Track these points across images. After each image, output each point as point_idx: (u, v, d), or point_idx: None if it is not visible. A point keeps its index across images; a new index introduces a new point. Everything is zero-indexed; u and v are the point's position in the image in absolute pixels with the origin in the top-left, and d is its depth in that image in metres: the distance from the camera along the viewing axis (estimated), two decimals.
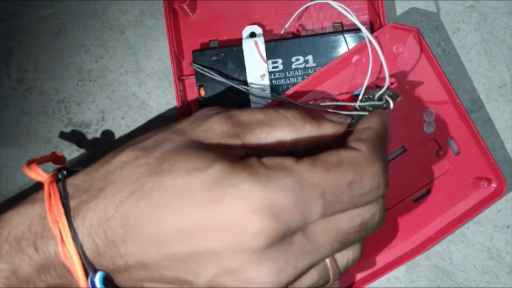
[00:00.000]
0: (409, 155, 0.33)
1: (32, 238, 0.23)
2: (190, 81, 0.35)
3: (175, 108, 0.36)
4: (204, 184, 0.21)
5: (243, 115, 0.25)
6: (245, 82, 0.33)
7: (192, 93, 0.36)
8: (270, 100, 0.32)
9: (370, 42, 0.28)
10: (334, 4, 0.28)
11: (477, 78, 0.35)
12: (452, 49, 0.36)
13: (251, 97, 0.33)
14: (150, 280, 0.23)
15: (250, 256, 0.21)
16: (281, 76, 0.34)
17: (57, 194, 0.23)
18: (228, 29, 0.36)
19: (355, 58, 0.32)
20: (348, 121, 0.26)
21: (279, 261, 0.21)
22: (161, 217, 0.21)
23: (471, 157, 0.32)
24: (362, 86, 0.29)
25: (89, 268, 0.23)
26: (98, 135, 0.37)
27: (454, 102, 0.32)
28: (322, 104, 0.31)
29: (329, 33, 0.34)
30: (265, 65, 0.33)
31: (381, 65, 0.31)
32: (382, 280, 0.34)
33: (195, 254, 0.21)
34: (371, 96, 0.29)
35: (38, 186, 0.25)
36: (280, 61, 0.34)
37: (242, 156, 0.23)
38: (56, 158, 0.27)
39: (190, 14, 0.36)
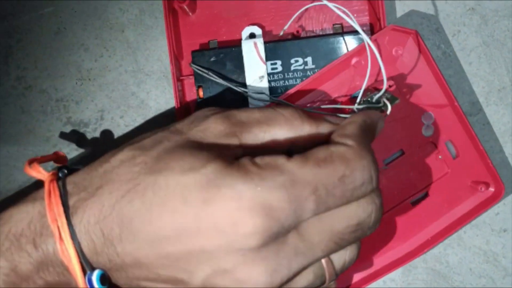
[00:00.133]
0: (407, 158, 0.33)
1: (32, 235, 0.23)
2: (189, 81, 0.35)
3: (174, 108, 0.36)
4: (198, 184, 0.21)
5: (241, 115, 0.25)
6: (243, 83, 0.33)
7: (191, 93, 0.36)
8: (268, 102, 0.32)
9: (369, 45, 0.28)
10: (332, 7, 0.28)
11: (476, 81, 0.35)
12: (452, 51, 0.35)
13: (250, 99, 0.33)
14: (146, 279, 0.23)
15: (243, 256, 0.21)
16: (280, 77, 0.34)
17: (57, 193, 0.23)
18: (227, 29, 0.36)
19: (354, 60, 0.32)
20: None
21: (272, 262, 0.21)
22: (155, 216, 0.22)
23: (469, 161, 0.32)
24: (360, 89, 0.29)
25: (86, 266, 0.23)
26: (97, 134, 0.37)
27: (453, 105, 0.32)
28: (321, 106, 0.31)
29: (329, 34, 0.34)
30: (264, 66, 0.33)
31: (380, 67, 0.31)
32: (378, 282, 0.35)
33: (188, 253, 0.21)
34: (369, 99, 0.29)
35: (38, 185, 0.25)
36: (279, 62, 0.34)
37: (239, 156, 0.23)
38: (57, 158, 0.27)
39: (190, 14, 0.36)
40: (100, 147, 0.37)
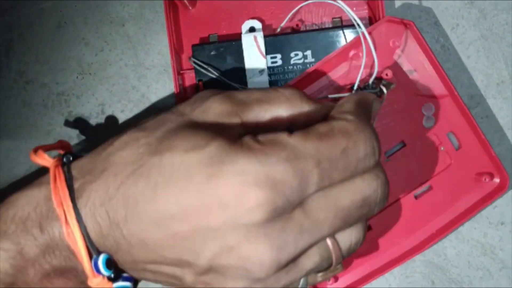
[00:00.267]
0: (409, 150, 0.33)
1: (38, 219, 0.23)
2: (190, 75, 0.36)
3: (174, 102, 0.37)
4: (201, 162, 0.21)
5: (242, 94, 0.25)
6: (243, 77, 0.34)
7: (192, 87, 0.36)
8: None
9: (363, 35, 0.28)
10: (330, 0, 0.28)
11: (475, 74, 0.35)
12: (450, 45, 0.36)
13: None
14: (152, 262, 0.23)
15: (248, 232, 0.21)
16: (279, 71, 0.34)
17: (62, 177, 0.24)
18: (227, 23, 0.36)
19: (352, 53, 0.32)
20: None
21: (278, 238, 0.21)
22: (160, 196, 0.22)
23: (472, 152, 0.32)
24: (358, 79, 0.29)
25: (92, 249, 0.23)
26: (97, 128, 0.37)
27: (452, 95, 0.32)
28: (318, 97, 0.31)
29: (328, 28, 0.34)
30: (264, 60, 0.33)
31: (378, 59, 0.31)
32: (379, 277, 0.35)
33: (194, 232, 0.21)
34: (366, 86, 0.29)
35: (41, 172, 0.25)
36: (279, 56, 0.34)
37: (241, 134, 0.23)
38: (61, 146, 0.27)
39: (190, 8, 0.36)
40: (101, 141, 0.37)
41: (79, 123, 0.37)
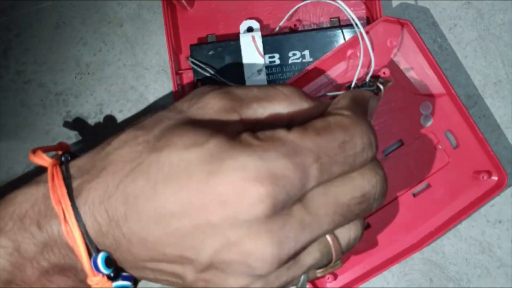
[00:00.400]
0: (407, 149, 0.33)
1: (36, 217, 0.23)
2: (188, 75, 0.36)
3: (172, 101, 0.37)
4: (201, 159, 0.21)
5: (240, 91, 0.25)
6: (242, 77, 0.34)
7: (190, 87, 0.36)
8: None
9: (361, 34, 0.29)
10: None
11: (472, 74, 0.36)
12: (448, 45, 0.36)
13: None
14: (152, 260, 0.23)
15: (249, 228, 0.21)
16: (278, 70, 0.34)
17: (60, 175, 0.23)
18: (225, 24, 0.36)
19: (349, 52, 0.32)
20: None
21: (278, 234, 0.21)
22: (160, 193, 0.21)
23: (470, 150, 0.32)
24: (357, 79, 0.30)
25: (92, 248, 0.23)
26: (96, 128, 0.37)
27: (450, 94, 0.32)
28: (317, 96, 0.31)
29: (326, 28, 0.34)
30: (262, 59, 0.34)
31: (375, 59, 0.31)
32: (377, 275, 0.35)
33: (195, 228, 0.21)
34: (363, 84, 0.30)
35: (40, 171, 0.25)
36: (277, 55, 0.34)
37: (240, 131, 0.23)
38: (61, 148, 0.27)
39: (188, 8, 0.36)
40: (99, 141, 0.37)
41: (77, 123, 0.37)
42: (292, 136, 0.22)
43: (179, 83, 0.35)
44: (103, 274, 0.23)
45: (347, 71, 0.33)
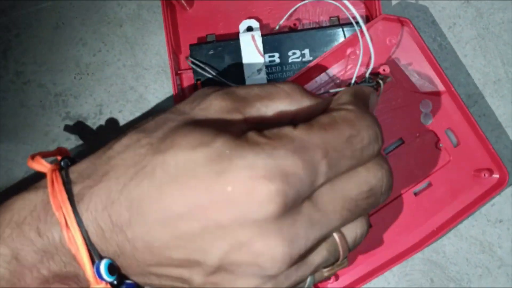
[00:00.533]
0: (407, 147, 0.33)
1: (35, 223, 0.23)
2: (188, 75, 0.36)
3: (172, 102, 0.37)
4: (208, 159, 0.21)
5: (242, 91, 0.25)
6: (242, 76, 0.34)
7: (190, 87, 0.36)
8: None
9: (361, 32, 0.29)
10: None
11: (472, 73, 0.36)
12: (448, 44, 0.36)
13: None
14: (158, 265, 0.22)
15: (259, 228, 0.20)
16: (278, 70, 0.34)
17: (60, 180, 0.23)
18: (225, 24, 0.36)
19: (349, 51, 0.32)
20: None
21: (289, 232, 0.21)
22: (166, 194, 0.21)
23: (471, 148, 0.32)
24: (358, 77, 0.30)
25: (94, 254, 0.22)
26: (95, 128, 0.37)
27: (450, 91, 0.32)
28: (318, 94, 0.32)
29: (326, 27, 0.34)
30: (262, 59, 0.34)
31: (375, 57, 0.31)
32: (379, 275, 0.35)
33: (203, 230, 0.21)
34: (363, 81, 0.30)
35: (39, 177, 0.25)
36: (277, 55, 0.34)
37: (244, 130, 0.22)
38: (60, 153, 0.26)
39: (188, 8, 0.36)
40: (99, 141, 0.37)
41: (77, 124, 0.37)
42: (299, 133, 0.22)
43: (179, 83, 0.35)
44: (106, 282, 0.22)
45: (347, 69, 0.33)
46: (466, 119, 0.32)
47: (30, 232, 0.23)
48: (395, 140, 0.33)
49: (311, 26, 0.35)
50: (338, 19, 0.35)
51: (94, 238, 0.22)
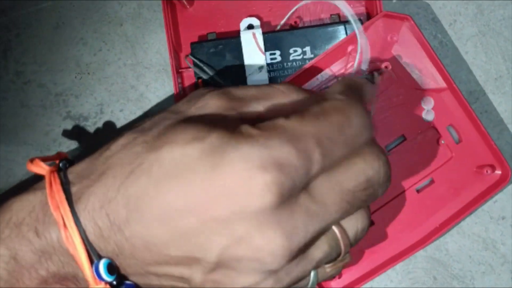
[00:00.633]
0: (409, 144, 0.33)
1: (33, 223, 0.23)
2: (188, 73, 0.36)
3: (173, 100, 0.37)
4: (203, 152, 0.21)
5: (238, 91, 0.25)
6: (243, 74, 0.34)
7: (191, 86, 0.36)
8: None
9: (358, 31, 0.29)
10: None
11: (473, 70, 0.36)
12: (449, 41, 0.36)
13: None
14: (157, 264, 0.22)
15: (257, 220, 0.20)
16: (279, 67, 0.34)
17: (58, 181, 0.23)
18: (226, 22, 0.36)
19: (350, 48, 0.32)
20: None
21: (287, 224, 0.21)
22: (163, 190, 0.21)
23: (473, 145, 0.32)
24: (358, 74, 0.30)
25: (93, 254, 0.22)
26: (96, 128, 0.37)
27: (451, 88, 0.32)
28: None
29: (327, 24, 0.34)
30: (263, 56, 0.33)
31: (376, 54, 0.31)
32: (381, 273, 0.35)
33: (201, 225, 0.21)
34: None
35: (38, 178, 0.25)
36: (278, 52, 0.34)
37: (239, 125, 0.22)
38: (59, 157, 0.26)
39: (188, 7, 0.36)
40: (100, 140, 0.37)
41: (78, 123, 0.37)
42: (292, 123, 0.22)
43: (180, 81, 0.35)
44: (105, 281, 0.22)
45: (348, 67, 0.32)
46: (468, 115, 0.32)
47: (29, 233, 0.23)
48: (397, 137, 0.33)
49: (312, 24, 0.35)
50: (339, 17, 0.35)
51: (92, 238, 0.22)
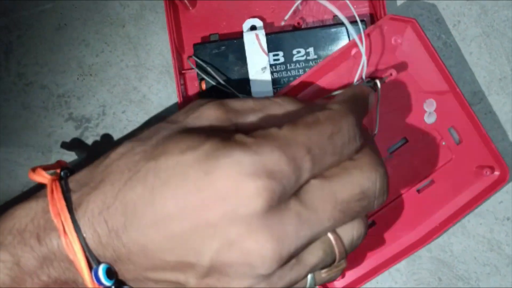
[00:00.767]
0: (411, 146, 0.33)
1: (35, 230, 0.23)
2: (191, 75, 0.35)
3: (176, 102, 0.37)
4: (196, 160, 0.21)
5: (236, 103, 0.25)
6: (246, 75, 0.33)
7: (193, 87, 0.36)
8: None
9: (360, 37, 0.29)
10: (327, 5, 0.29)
11: (477, 70, 0.36)
12: (452, 42, 0.36)
13: (253, 91, 0.33)
14: (153, 269, 0.23)
15: (247, 224, 0.21)
16: (282, 68, 0.34)
17: (59, 189, 0.24)
18: (228, 23, 0.36)
19: (354, 51, 0.32)
20: None
21: (277, 229, 0.21)
22: (157, 197, 0.22)
23: (473, 146, 0.33)
24: (361, 78, 0.30)
25: (92, 260, 0.23)
26: (99, 129, 0.37)
27: (454, 91, 0.32)
28: (325, 96, 0.31)
29: (330, 25, 0.34)
30: (266, 57, 0.33)
31: (380, 57, 0.31)
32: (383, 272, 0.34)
33: (194, 230, 0.21)
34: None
35: (41, 186, 0.25)
36: (281, 53, 0.34)
37: (233, 135, 0.23)
38: (60, 165, 0.27)
39: (190, 8, 0.36)
40: (103, 142, 0.37)
41: (80, 125, 0.37)
42: (284, 132, 0.22)
43: (183, 83, 0.35)
44: (104, 286, 0.23)
45: (353, 70, 0.32)
46: (469, 117, 0.32)
47: (31, 239, 0.23)
48: (399, 140, 0.33)
49: (315, 25, 0.35)
50: None
51: (91, 244, 0.23)
